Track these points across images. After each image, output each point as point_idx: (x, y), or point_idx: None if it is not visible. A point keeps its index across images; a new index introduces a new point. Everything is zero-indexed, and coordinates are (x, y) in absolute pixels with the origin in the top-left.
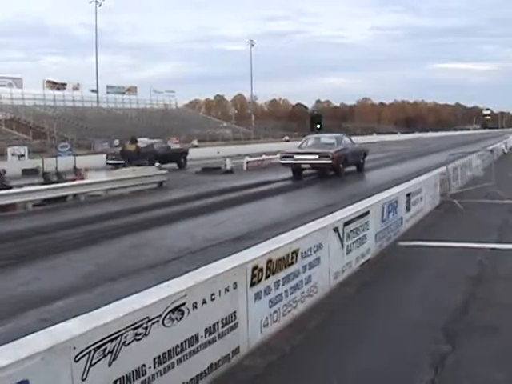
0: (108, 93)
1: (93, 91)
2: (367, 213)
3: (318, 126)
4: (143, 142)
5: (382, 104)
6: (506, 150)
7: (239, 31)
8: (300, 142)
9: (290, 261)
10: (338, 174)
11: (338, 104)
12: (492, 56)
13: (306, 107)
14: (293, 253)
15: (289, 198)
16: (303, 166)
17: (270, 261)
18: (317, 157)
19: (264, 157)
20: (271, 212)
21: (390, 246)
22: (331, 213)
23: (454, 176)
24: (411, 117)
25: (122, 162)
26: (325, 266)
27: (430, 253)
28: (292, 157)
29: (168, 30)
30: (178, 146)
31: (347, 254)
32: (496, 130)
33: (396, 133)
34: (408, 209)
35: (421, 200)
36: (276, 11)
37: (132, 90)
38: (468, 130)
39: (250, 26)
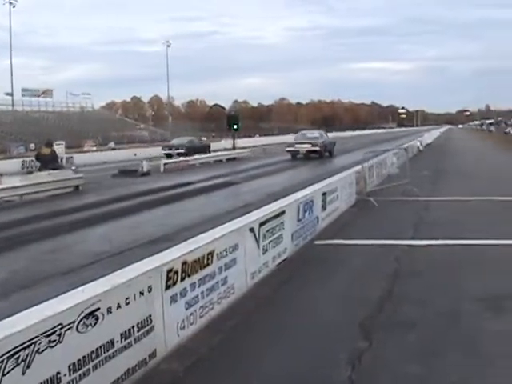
0: (23, 96)
1: (8, 94)
2: (283, 212)
3: (235, 127)
4: (184, 139)
5: (298, 104)
6: (420, 148)
7: (156, 33)
8: (295, 136)
9: (205, 262)
10: (321, 156)
11: (255, 104)
12: (406, 55)
13: (223, 108)
14: (208, 254)
15: (207, 199)
16: (300, 151)
17: (185, 263)
18: (310, 146)
19: (181, 158)
20: (189, 213)
21: (306, 245)
22: (246, 213)
23: (369, 174)
24: (328, 116)
25: (179, 151)
26: (241, 267)
27: (346, 251)
28: (294, 146)
29: (84, 32)
30: (205, 141)
31: (263, 254)
32: (411, 128)
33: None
34: (324, 208)
35: (337, 199)
36: (193, 12)
37: (48, 92)
38: (384, 128)
39: (166, 27)
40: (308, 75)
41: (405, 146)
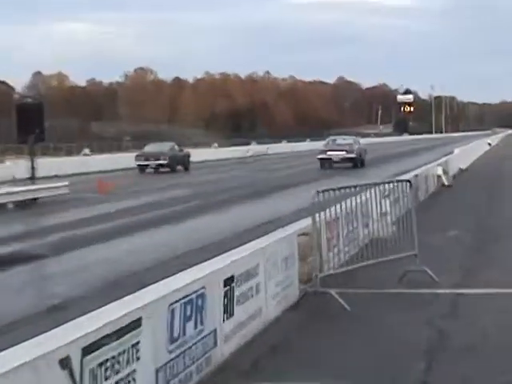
0: None
1: None
2: (137, 323)
3: (38, 131)
4: (164, 146)
5: (178, 81)
6: (445, 179)
7: None
8: (325, 142)
9: None
10: (356, 165)
11: (82, 81)
12: None
13: (10, 88)
14: None
15: None
16: (334, 159)
17: None
18: (344, 152)
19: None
20: None
21: None
22: (55, 327)
23: (329, 238)
24: (244, 108)
25: (160, 162)
26: None
27: None
28: (325, 153)
29: None
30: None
31: None
32: (430, 137)
33: (215, 146)
34: (229, 312)
35: (257, 291)
36: None
37: None
38: (369, 136)
39: None
40: (195, 20)
41: (410, 174)
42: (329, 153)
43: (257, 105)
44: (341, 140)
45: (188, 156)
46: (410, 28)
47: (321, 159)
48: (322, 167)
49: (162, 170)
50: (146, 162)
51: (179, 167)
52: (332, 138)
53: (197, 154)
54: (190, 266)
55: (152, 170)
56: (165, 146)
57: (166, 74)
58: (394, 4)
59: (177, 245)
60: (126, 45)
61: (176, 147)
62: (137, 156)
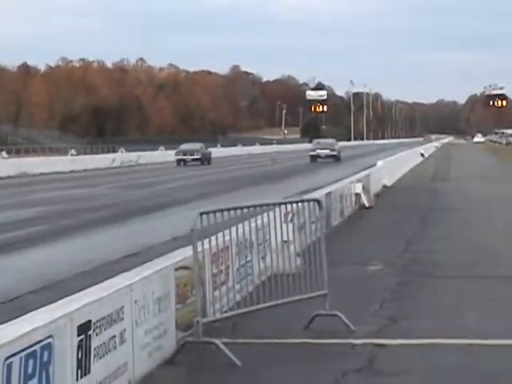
0: None
1: None
2: None
3: None
4: (196, 144)
5: (27, 69)
6: (365, 200)
7: None
8: (313, 143)
9: None
10: (336, 160)
11: None
12: None
13: None
14: None
15: None
16: (321, 155)
17: None
18: (329, 150)
19: None
20: None
21: None
22: None
23: (216, 274)
24: (106, 106)
25: (194, 157)
26: None
27: None
28: (315, 151)
29: None
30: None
31: None
32: (346, 144)
33: (72, 153)
34: (84, 368)
35: (122, 341)
36: None
37: None
38: (272, 143)
39: None
40: None
41: (320, 192)
42: (317, 151)
43: (127, 101)
44: (324, 142)
45: (210, 153)
46: (322, 7)
47: (311, 156)
48: (311, 161)
49: (193, 163)
50: (184, 157)
51: (205, 162)
52: (316, 140)
53: (48, 164)
54: (31, 311)
55: (182, 163)
56: (197, 145)
57: (9, 59)
58: None
59: (6, 285)
60: None
61: (204, 146)
62: (176, 152)
